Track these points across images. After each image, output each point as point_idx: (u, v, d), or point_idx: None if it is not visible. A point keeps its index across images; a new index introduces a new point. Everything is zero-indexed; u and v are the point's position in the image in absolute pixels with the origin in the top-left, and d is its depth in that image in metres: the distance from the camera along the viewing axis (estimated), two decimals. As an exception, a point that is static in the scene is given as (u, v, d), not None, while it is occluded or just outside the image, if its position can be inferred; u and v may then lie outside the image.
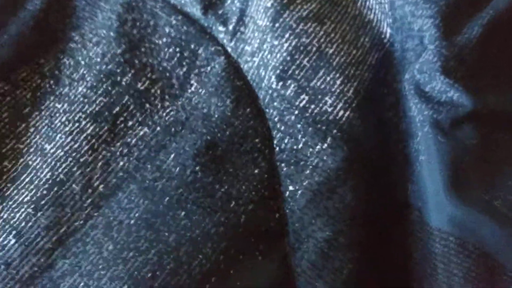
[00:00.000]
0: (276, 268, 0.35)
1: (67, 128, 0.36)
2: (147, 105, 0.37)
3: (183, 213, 0.35)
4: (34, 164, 0.36)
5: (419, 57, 0.36)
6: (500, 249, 0.33)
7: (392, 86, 0.37)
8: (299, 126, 0.36)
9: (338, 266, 0.34)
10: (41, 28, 0.39)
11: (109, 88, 0.37)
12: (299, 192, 0.35)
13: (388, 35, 0.38)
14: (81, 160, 0.36)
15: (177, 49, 0.39)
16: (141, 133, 0.37)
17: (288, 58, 0.37)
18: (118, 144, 0.36)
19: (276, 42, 0.37)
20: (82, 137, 0.36)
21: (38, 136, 0.36)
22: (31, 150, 0.36)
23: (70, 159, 0.36)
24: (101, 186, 0.35)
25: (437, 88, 0.35)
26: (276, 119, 0.37)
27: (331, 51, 0.37)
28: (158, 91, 0.38)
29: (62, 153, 0.36)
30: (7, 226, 0.34)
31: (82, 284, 0.33)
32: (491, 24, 0.35)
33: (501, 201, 0.33)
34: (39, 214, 0.34)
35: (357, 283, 0.34)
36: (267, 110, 0.37)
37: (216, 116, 0.37)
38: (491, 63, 0.36)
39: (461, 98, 0.34)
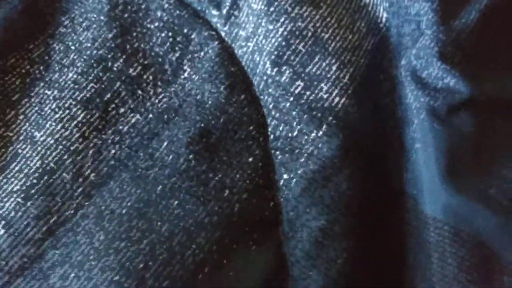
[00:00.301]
0: (270, 258, 0.34)
1: (57, 115, 0.36)
2: (139, 92, 0.37)
3: (176, 202, 0.34)
4: (24, 152, 0.35)
5: (416, 42, 0.36)
6: (495, 237, 0.33)
7: (388, 72, 0.37)
8: (294, 113, 0.36)
9: (333, 255, 0.34)
10: (30, 12, 0.38)
11: (100, 74, 0.37)
12: (294, 180, 0.35)
13: (384, 19, 0.38)
14: (72, 148, 0.35)
15: (170, 34, 0.38)
16: (133, 120, 0.36)
17: (283, 43, 0.36)
18: (110, 131, 0.36)
19: (271, 27, 0.37)
20: (72, 125, 0.36)
21: (27, 124, 0.36)
22: (21, 138, 0.35)
23: (60, 147, 0.35)
24: (92, 174, 0.35)
25: (434, 74, 0.35)
26: (271, 106, 0.36)
27: (326, 36, 0.37)
28: (151, 77, 0.37)
29: (52, 141, 0.35)
30: (-4, 216, 0.34)
31: (72, 275, 0.33)
32: (488, 8, 0.35)
33: (496, 189, 0.33)
34: (28, 203, 0.34)
35: (352, 272, 0.34)
36: (261, 97, 0.37)
37: (210, 103, 0.36)
38: (488, 48, 0.36)
39: (458, 85, 0.34)
